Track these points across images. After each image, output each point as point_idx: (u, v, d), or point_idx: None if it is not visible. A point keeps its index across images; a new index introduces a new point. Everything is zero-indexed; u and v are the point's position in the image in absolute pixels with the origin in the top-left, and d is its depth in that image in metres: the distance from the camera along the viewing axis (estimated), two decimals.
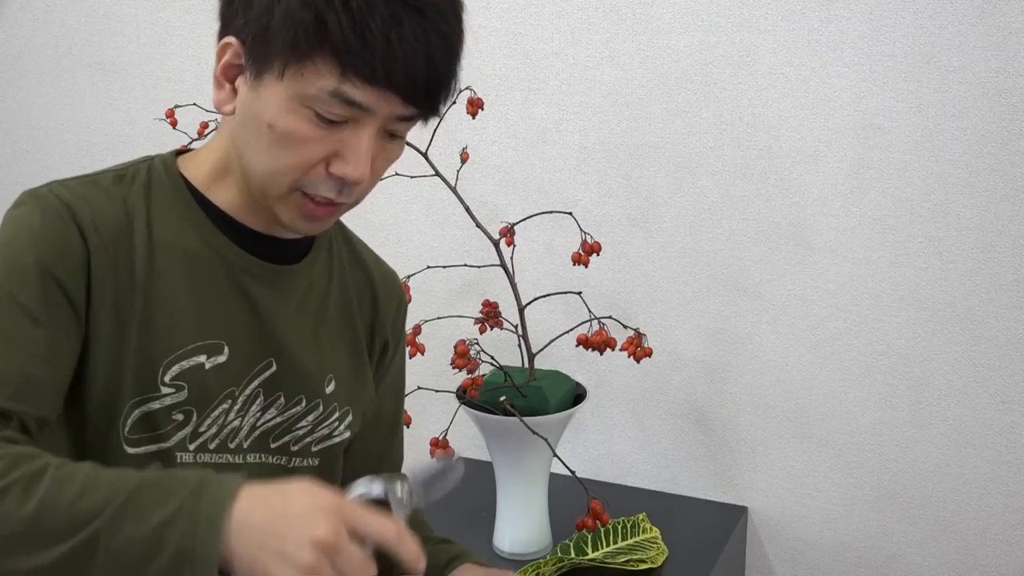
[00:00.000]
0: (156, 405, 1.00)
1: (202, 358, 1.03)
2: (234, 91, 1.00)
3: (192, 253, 1.04)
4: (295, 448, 1.11)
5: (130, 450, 1.00)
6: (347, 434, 1.16)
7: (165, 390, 1.01)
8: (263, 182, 1.00)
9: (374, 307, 1.20)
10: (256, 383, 1.07)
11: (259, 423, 1.08)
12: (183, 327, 1.02)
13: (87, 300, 0.97)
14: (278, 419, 1.09)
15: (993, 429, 1.69)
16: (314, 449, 1.13)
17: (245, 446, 1.07)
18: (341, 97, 0.94)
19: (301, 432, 1.11)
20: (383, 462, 1.28)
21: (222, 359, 1.04)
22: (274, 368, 1.08)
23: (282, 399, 1.09)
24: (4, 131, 2.36)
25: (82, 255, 0.97)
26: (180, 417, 1.02)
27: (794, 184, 1.73)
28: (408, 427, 1.45)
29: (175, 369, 1.01)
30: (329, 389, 1.13)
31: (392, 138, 1.01)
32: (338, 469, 1.18)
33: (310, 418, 1.12)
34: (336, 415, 1.14)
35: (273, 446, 1.09)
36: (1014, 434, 1.68)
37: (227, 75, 1.00)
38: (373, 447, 1.25)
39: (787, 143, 1.72)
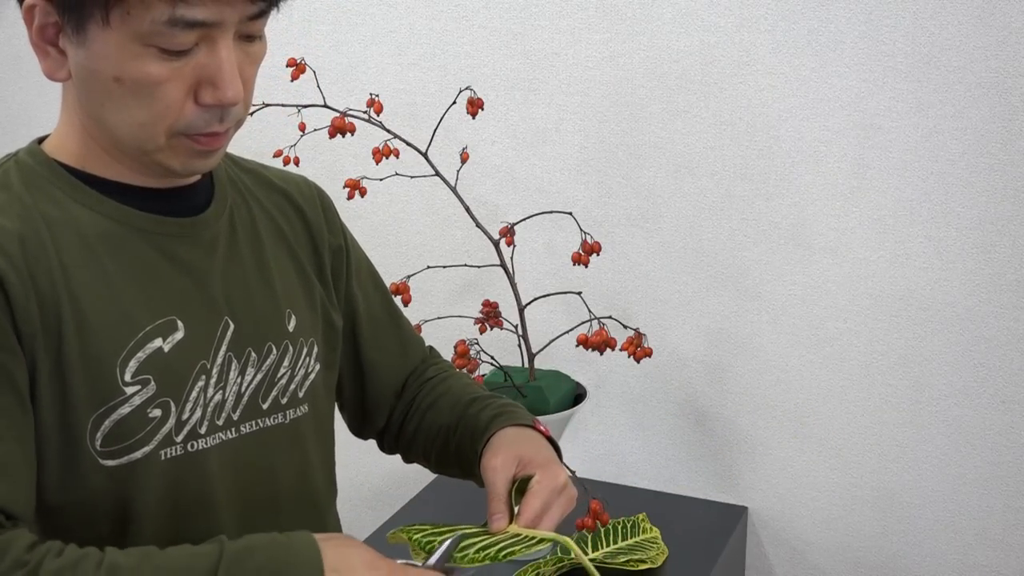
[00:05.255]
0: (126, 409, 0.93)
1: (158, 342, 0.95)
2: (61, 54, 0.91)
3: (104, 235, 0.95)
4: (285, 401, 1.06)
5: (109, 463, 0.93)
6: (318, 366, 1.10)
7: (130, 389, 0.93)
8: (135, 140, 0.92)
9: (303, 220, 1.13)
10: (224, 348, 1.00)
11: (243, 389, 1.01)
12: (125, 316, 0.93)
13: (16, 334, 0.88)
14: (259, 376, 1.03)
15: (993, 429, 1.69)
16: (300, 395, 1.08)
17: (235, 418, 1.01)
18: (181, 23, 0.85)
19: (284, 381, 1.06)
20: (408, 353, 1.26)
21: (179, 335, 0.96)
22: (232, 326, 1.01)
23: (253, 354, 1.02)
24: (4, 131, 2.36)
25: None
26: (158, 413, 0.94)
27: (794, 184, 1.73)
28: None
29: (133, 364, 0.93)
30: (291, 326, 1.07)
31: (250, 40, 0.93)
32: (327, 410, 1.14)
33: (286, 363, 1.06)
34: (305, 349, 1.08)
35: (265, 407, 1.04)
36: (1014, 434, 1.68)
37: (46, 38, 0.91)
38: (390, 344, 1.23)
39: (787, 143, 1.72)
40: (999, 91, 1.59)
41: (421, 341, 1.31)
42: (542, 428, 1.14)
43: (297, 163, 1.61)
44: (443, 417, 1.20)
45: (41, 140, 1.01)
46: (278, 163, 1.58)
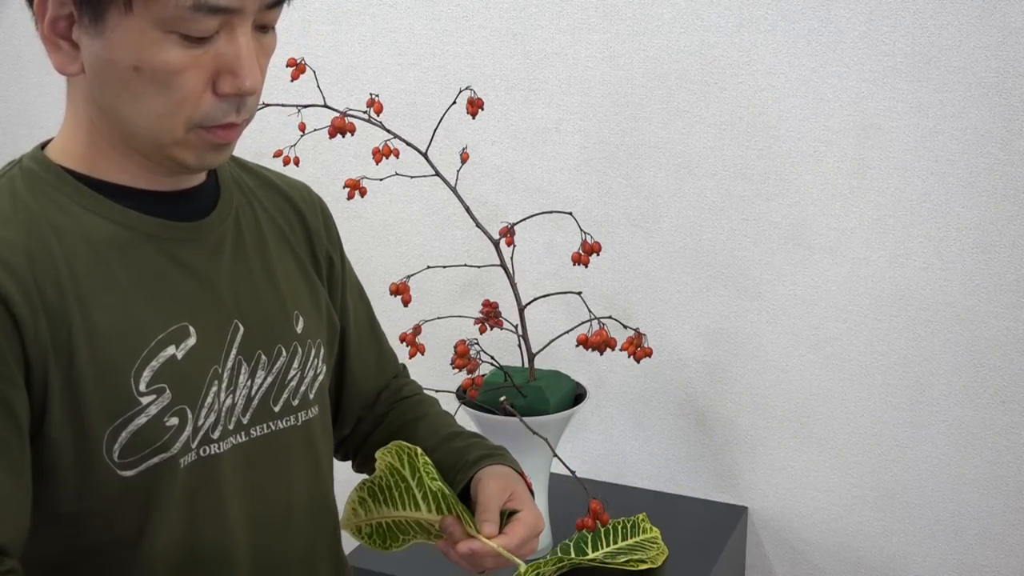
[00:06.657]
0: (143, 419, 0.91)
1: (171, 349, 0.93)
2: (74, 47, 0.90)
3: (112, 241, 0.93)
4: (296, 403, 1.05)
5: (128, 473, 0.92)
6: (325, 368, 1.10)
7: (145, 399, 0.91)
8: (152, 133, 0.91)
9: (303, 223, 1.13)
10: (234, 351, 0.99)
11: (253, 392, 1.01)
12: (137, 325, 0.92)
13: (25, 359, 0.87)
14: (269, 379, 1.02)
15: (993, 429, 1.69)
16: (311, 396, 1.07)
17: (246, 421, 1.00)
18: (204, 7, 0.85)
19: (294, 383, 1.05)
20: (384, 367, 1.27)
21: (192, 341, 0.95)
22: (242, 329, 1.00)
23: (263, 357, 1.02)
24: (4, 131, 2.36)
25: (4, 316, 0.86)
26: (175, 421, 0.93)
27: (794, 184, 1.73)
28: None
29: (147, 373, 0.92)
30: (300, 327, 1.06)
31: (265, 31, 0.93)
32: (329, 412, 1.15)
33: (296, 365, 1.05)
34: (313, 351, 1.08)
35: (276, 409, 1.03)
36: (1014, 434, 1.68)
37: (58, 31, 0.89)
38: (368, 356, 1.24)
39: (787, 143, 1.72)
40: (999, 91, 1.59)
41: (395, 356, 1.31)
42: (527, 479, 1.18)
43: (297, 163, 1.61)
44: (418, 441, 1.20)
45: (44, 145, 0.99)
46: (278, 163, 1.58)
